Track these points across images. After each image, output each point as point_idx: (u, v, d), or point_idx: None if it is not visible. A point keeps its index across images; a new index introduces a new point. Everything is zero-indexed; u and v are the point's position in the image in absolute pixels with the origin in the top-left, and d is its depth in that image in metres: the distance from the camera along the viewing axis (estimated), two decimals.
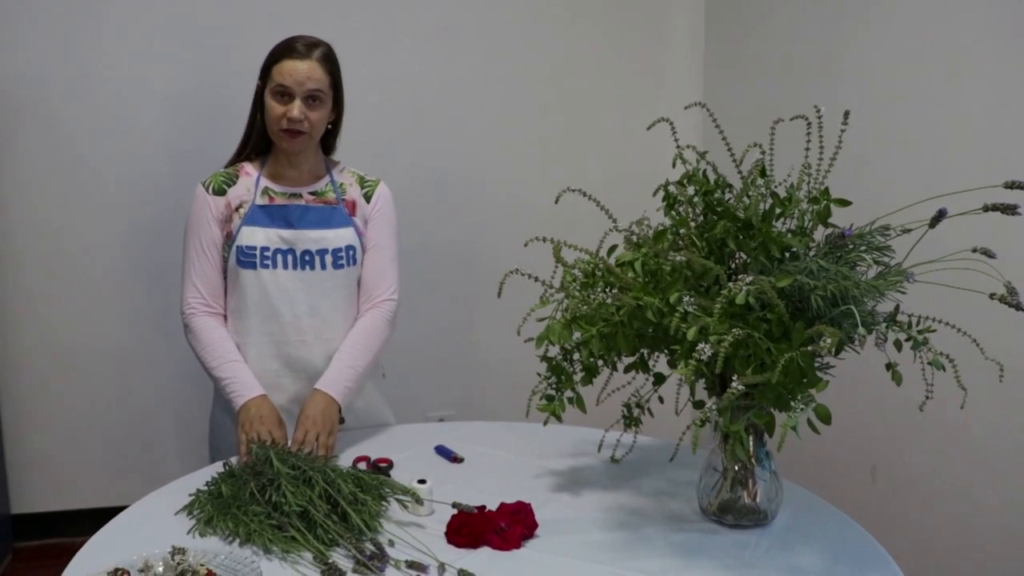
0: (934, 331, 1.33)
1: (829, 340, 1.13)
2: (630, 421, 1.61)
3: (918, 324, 1.33)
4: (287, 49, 1.84)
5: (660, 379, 1.53)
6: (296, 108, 1.81)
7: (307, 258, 1.88)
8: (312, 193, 1.92)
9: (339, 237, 1.91)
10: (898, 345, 1.33)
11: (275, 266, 1.87)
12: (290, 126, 1.82)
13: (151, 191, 2.90)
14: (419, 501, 1.49)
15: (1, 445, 2.86)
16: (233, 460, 1.64)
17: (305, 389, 1.91)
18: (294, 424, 1.81)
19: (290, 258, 1.88)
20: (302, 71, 1.81)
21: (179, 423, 3.01)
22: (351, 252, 1.92)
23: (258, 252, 1.86)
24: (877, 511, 2.40)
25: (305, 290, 1.89)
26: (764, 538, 1.44)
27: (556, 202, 1.46)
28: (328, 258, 1.89)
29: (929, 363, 1.31)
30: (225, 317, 1.93)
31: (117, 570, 1.25)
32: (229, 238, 1.88)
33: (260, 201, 1.89)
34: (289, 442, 1.76)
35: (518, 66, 3.15)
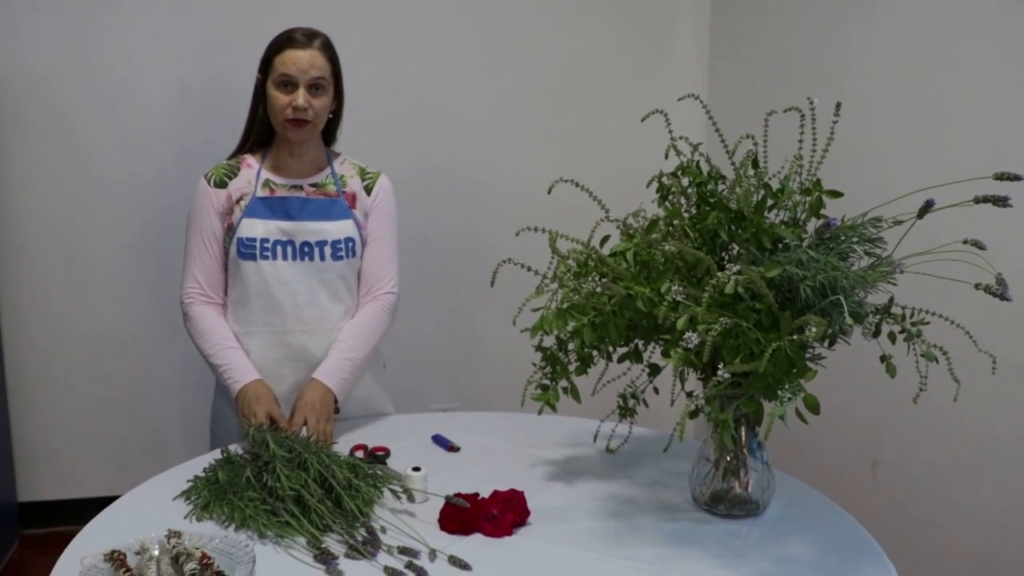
0: (927, 323, 1.33)
1: (815, 329, 1.14)
2: (625, 412, 1.62)
3: (912, 316, 1.33)
4: (288, 40, 1.85)
5: (655, 370, 1.54)
6: (301, 96, 1.82)
7: (306, 249, 1.90)
8: (313, 185, 1.94)
9: (338, 229, 1.92)
10: (892, 337, 1.34)
11: (275, 257, 1.89)
12: (295, 115, 1.84)
13: (157, 183, 2.92)
14: (411, 498, 1.50)
15: (8, 434, 2.90)
16: (232, 447, 1.66)
17: (305, 379, 1.92)
18: (292, 406, 1.83)
19: (290, 249, 1.90)
20: (304, 60, 1.83)
21: (184, 413, 3.04)
22: (350, 244, 1.93)
23: (258, 244, 1.88)
24: (877, 505, 2.40)
25: (305, 281, 1.91)
26: (755, 528, 1.44)
27: (549, 192, 1.47)
28: (327, 249, 1.91)
29: (922, 355, 1.31)
30: (224, 307, 1.95)
31: (114, 552, 1.27)
32: (230, 230, 1.90)
33: (261, 193, 1.90)
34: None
35: (524, 59, 3.16)
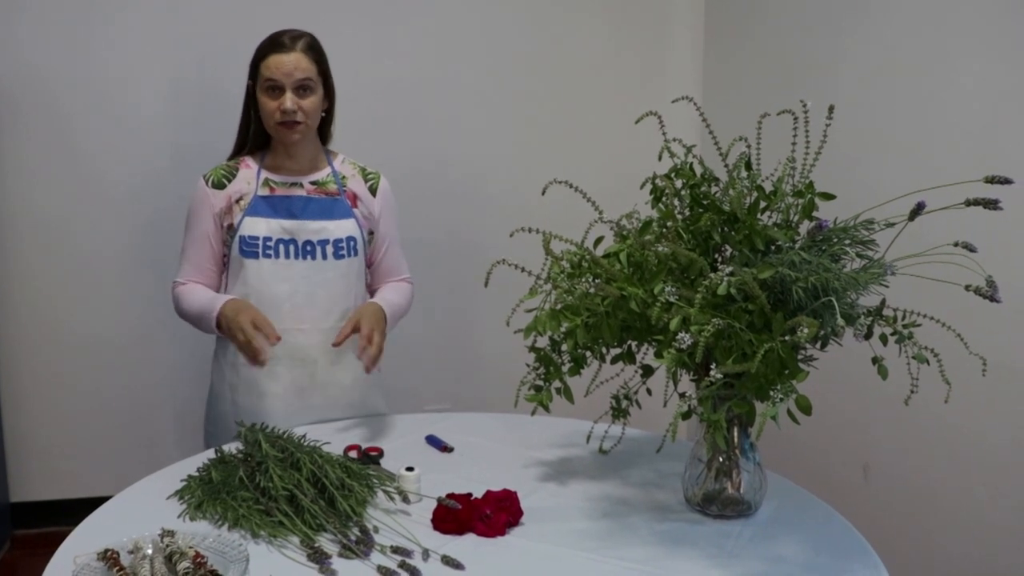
0: (919, 325, 1.33)
1: (807, 330, 1.14)
2: (618, 413, 1.63)
3: (903, 318, 1.34)
4: (272, 44, 1.88)
5: (648, 371, 1.55)
6: (288, 100, 1.84)
7: (308, 248, 1.92)
8: (313, 183, 1.95)
9: (340, 228, 1.94)
10: (883, 339, 1.34)
11: (277, 255, 1.91)
12: (284, 118, 1.85)
13: (153, 183, 2.91)
14: (405, 499, 1.51)
15: (1, 434, 2.89)
16: (226, 447, 1.66)
17: (301, 377, 1.94)
18: (286, 405, 1.90)
19: (292, 248, 1.91)
20: (289, 63, 1.85)
21: (178, 413, 3.03)
22: (352, 243, 1.95)
23: (260, 242, 1.89)
24: (869, 506, 2.41)
25: (305, 279, 1.92)
26: (747, 528, 1.45)
27: (543, 193, 1.47)
28: (329, 248, 1.92)
29: (913, 357, 1.32)
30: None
31: (107, 551, 1.27)
32: (231, 229, 1.91)
33: (262, 192, 1.92)
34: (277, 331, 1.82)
35: (518, 60, 3.16)
